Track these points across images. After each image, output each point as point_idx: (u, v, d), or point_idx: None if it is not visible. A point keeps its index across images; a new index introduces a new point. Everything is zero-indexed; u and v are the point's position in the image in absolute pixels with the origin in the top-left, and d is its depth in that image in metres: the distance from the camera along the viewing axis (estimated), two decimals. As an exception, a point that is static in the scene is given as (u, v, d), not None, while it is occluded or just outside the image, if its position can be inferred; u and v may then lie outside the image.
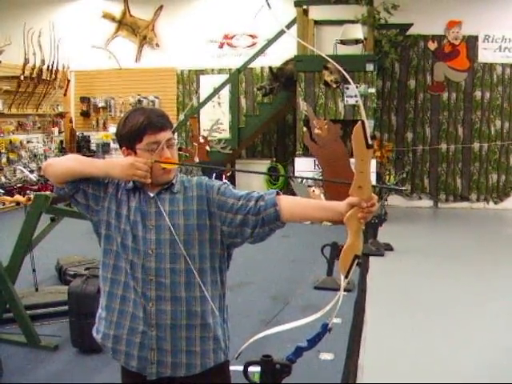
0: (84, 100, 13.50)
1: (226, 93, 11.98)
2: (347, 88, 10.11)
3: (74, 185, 2.35)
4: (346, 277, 2.06)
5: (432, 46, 11.68)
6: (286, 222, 2.27)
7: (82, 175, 2.31)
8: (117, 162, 2.27)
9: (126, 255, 2.32)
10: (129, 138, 2.29)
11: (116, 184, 2.36)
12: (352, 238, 2.01)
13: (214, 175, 9.93)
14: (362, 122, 1.85)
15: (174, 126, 12.63)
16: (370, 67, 10.07)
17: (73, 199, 2.42)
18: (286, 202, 2.26)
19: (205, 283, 2.30)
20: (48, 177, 2.45)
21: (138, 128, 2.25)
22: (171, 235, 2.27)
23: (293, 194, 10.36)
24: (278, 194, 2.28)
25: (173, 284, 2.28)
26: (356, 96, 10.09)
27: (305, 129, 10.17)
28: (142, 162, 2.21)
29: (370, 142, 1.86)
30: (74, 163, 2.33)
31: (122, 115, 2.40)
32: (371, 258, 7.64)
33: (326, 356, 4.61)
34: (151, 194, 2.33)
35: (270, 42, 10.97)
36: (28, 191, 5.28)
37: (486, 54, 11.48)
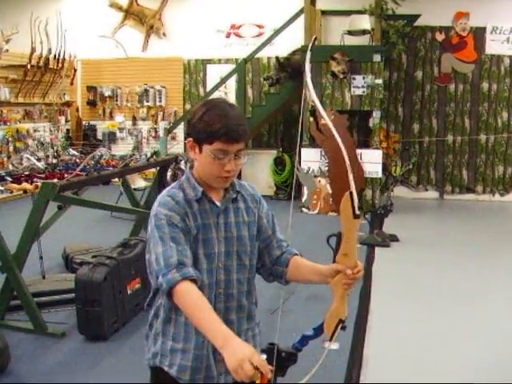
0: (90, 89, 13.49)
1: (232, 83, 11.97)
2: (354, 78, 10.09)
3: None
4: (330, 340, 2.10)
5: (439, 37, 11.63)
6: (287, 282, 2.40)
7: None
8: (232, 349, 1.90)
9: (205, 272, 2.23)
10: (199, 135, 2.17)
11: (183, 205, 2.21)
12: (337, 303, 2.07)
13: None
14: (351, 193, 1.88)
15: (180, 116, 12.65)
16: (377, 58, 10.04)
17: None
18: (293, 265, 2.35)
19: (254, 288, 2.41)
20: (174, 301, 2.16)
21: (212, 131, 2.13)
22: (238, 246, 2.28)
23: (299, 184, 10.39)
24: (296, 254, 2.39)
25: (239, 294, 2.30)
26: (363, 87, 10.07)
27: (311, 119, 10.17)
28: (250, 371, 1.84)
29: (357, 212, 1.90)
30: (195, 319, 2.06)
31: (200, 104, 2.25)
32: (377, 249, 7.66)
33: (332, 345, 4.61)
34: (218, 205, 2.26)
35: (277, 31, 10.95)
36: (35, 179, 5.26)
37: (494, 46, 11.43)
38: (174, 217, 2.16)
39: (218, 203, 2.26)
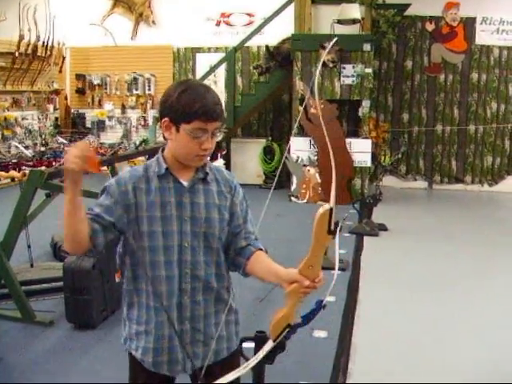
0: (79, 77, 13.41)
1: (222, 71, 11.93)
2: (344, 68, 10.08)
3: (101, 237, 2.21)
4: (274, 341, 2.11)
5: (429, 27, 11.63)
6: (246, 275, 2.39)
7: (70, 215, 2.15)
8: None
9: (161, 249, 2.27)
10: (177, 114, 2.19)
11: (134, 181, 2.25)
12: (289, 310, 2.07)
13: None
14: (331, 210, 1.87)
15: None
16: (367, 47, 10.04)
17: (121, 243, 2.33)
18: (254, 259, 2.33)
19: (226, 272, 2.40)
20: (70, 251, 2.30)
21: (191, 111, 2.16)
22: (206, 228, 2.29)
23: (288, 173, 10.40)
24: (261, 249, 2.37)
25: (207, 275, 2.29)
26: (353, 76, 10.07)
27: (301, 108, 10.16)
28: (73, 154, 2.01)
29: (332, 228, 1.88)
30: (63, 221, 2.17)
31: (173, 85, 2.28)
32: (365, 238, 7.69)
33: (320, 334, 4.64)
34: (184, 184, 2.28)
35: (267, 20, 10.89)
36: (23, 167, 5.25)
37: (484, 36, 11.45)
38: (114, 190, 2.24)
39: (184, 182, 2.28)
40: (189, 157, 2.24)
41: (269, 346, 2.12)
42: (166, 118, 2.23)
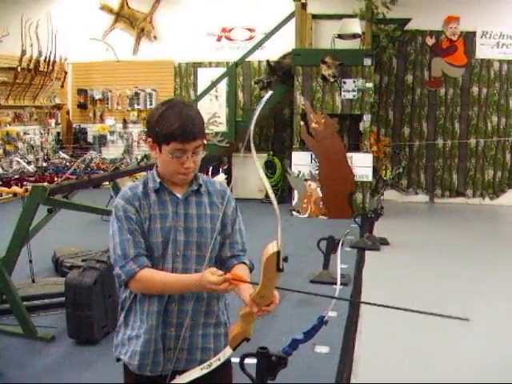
0: (81, 92, 13.45)
1: (223, 86, 11.95)
2: (344, 82, 10.11)
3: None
4: (234, 349, 2.22)
5: (430, 41, 11.68)
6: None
7: (179, 291, 2.30)
8: (197, 284, 2.17)
9: (160, 258, 2.34)
10: (157, 136, 2.27)
11: (138, 198, 2.34)
12: (245, 326, 2.17)
13: (211, 169, 9.95)
14: (278, 253, 1.92)
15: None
16: (367, 62, 10.07)
17: None
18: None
19: None
20: (134, 289, 2.34)
21: (169, 133, 2.22)
22: (198, 238, 2.34)
23: (290, 188, 10.40)
24: (244, 263, 2.44)
25: None
26: (354, 90, 10.09)
27: (302, 123, 10.18)
28: (214, 283, 2.11)
29: (281, 266, 1.95)
30: (167, 287, 2.28)
31: (156, 105, 2.37)
32: (367, 253, 7.67)
33: (322, 349, 4.62)
34: (179, 196, 2.36)
35: (268, 35, 10.94)
36: (25, 182, 5.24)
37: (484, 50, 11.49)
38: (130, 209, 2.30)
39: (178, 195, 2.36)
40: (173, 174, 2.32)
41: (228, 352, 2.23)
42: (150, 139, 2.32)
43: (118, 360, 2.45)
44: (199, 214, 2.36)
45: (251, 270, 2.49)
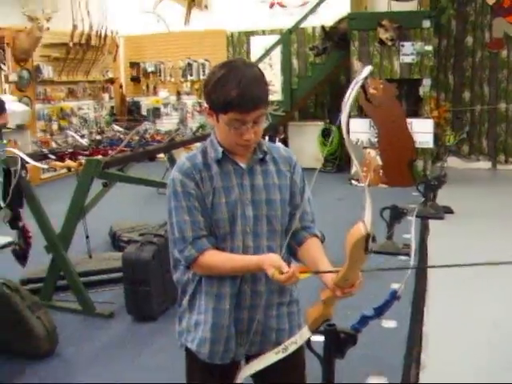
0: (133, 65, 13.41)
1: (277, 54, 11.72)
2: (403, 46, 9.78)
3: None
4: (313, 332, 2.07)
5: (490, 0, 11.17)
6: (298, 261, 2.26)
7: (241, 272, 2.15)
8: (263, 267, 2.00)
9: (228, 235, 2.16)
10: (214, 104, 2.05)
11: (199, 169, 2.12)
12: (326, 308, 2.03)
13: (267, 138, 9.77)
14: (367, 235, 1.78)
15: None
16: (426, 24, 9.71)
17: None
18: (305, 248, 2.22)
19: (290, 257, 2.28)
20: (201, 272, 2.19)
21: (227, 101, 1.98)
22: (268, 211, 2.16)
23: (348, 156, 10.16)
24: (316, 235, 2.26)
25: None
26: (412, 54, 9.76)
27: (359, 89, 9.90)
28: (283, 276, 1.94)
29: (370, 248, 1.82)
30: (229, 269, 2.13)
31: (214, 68, 2.10)
32: (431, 222, 7.42)
33: (389, 324, 4.45)
34: (243, 166, 2.15)
35: (322, 0, 10.65)
36: (79, 156, 5.14)
37: (549, 8, 10.96)
38: (189, 184, 2.10)
39: (242, 164, 2.14)
40: (231, 145, 2.11)
41: (307, 334, 2.07)
42: (207, 106, 2.10)
43: (185, 348, 2.30)
44: (267, 184, 2.16)
45: (322, 241, 2.28)
